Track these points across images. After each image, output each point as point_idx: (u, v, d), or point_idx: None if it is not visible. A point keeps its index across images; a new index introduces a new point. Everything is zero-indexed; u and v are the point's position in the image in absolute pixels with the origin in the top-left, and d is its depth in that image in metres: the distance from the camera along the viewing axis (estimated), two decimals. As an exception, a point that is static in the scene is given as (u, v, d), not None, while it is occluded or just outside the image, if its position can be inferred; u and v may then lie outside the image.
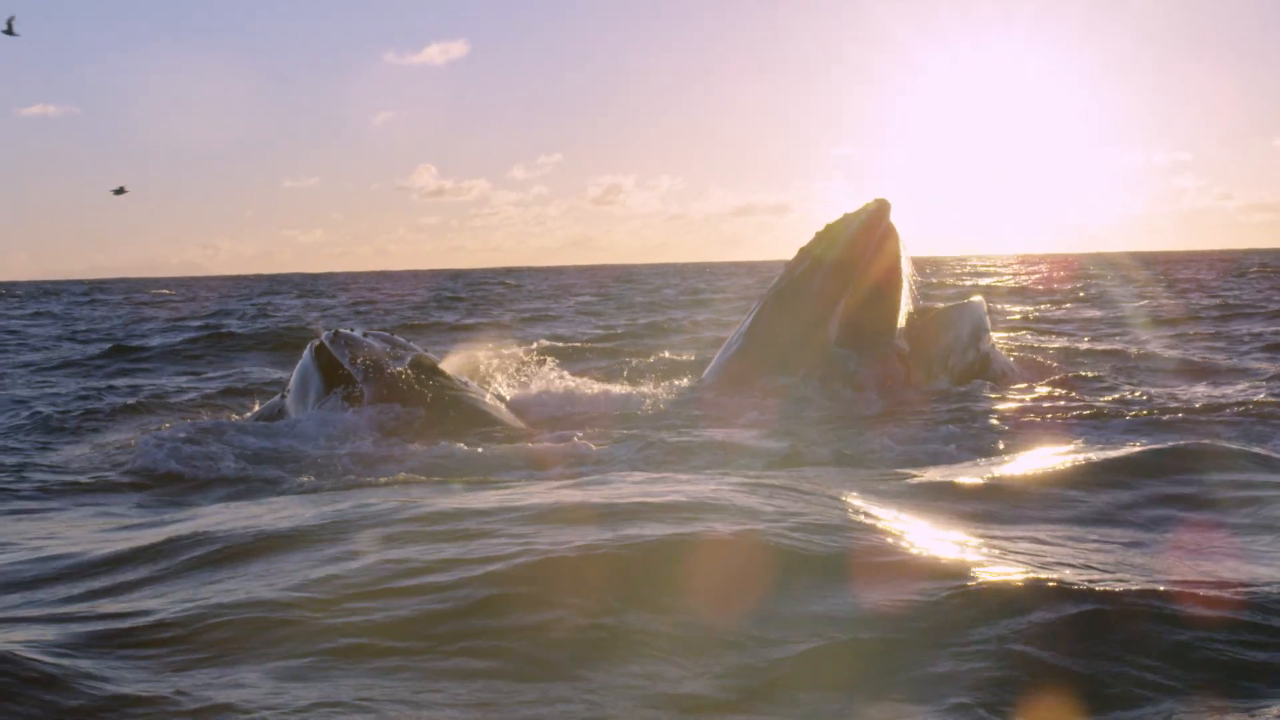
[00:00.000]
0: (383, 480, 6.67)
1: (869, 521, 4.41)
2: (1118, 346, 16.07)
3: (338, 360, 8.40)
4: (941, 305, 10.48)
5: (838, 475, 5.44)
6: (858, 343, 9.65)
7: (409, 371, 8.45)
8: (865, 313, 9.73)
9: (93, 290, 71.73)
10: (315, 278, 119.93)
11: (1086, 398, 10.32)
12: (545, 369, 11.45)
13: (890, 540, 4.13)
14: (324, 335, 8.73)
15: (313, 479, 6.95)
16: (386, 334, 9.57)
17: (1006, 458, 5.83)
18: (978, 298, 10.67)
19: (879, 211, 9.82)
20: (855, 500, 4.81)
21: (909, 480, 5.49)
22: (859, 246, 9.69)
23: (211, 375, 16.09)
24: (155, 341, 22.78)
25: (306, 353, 8.86)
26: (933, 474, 5.68)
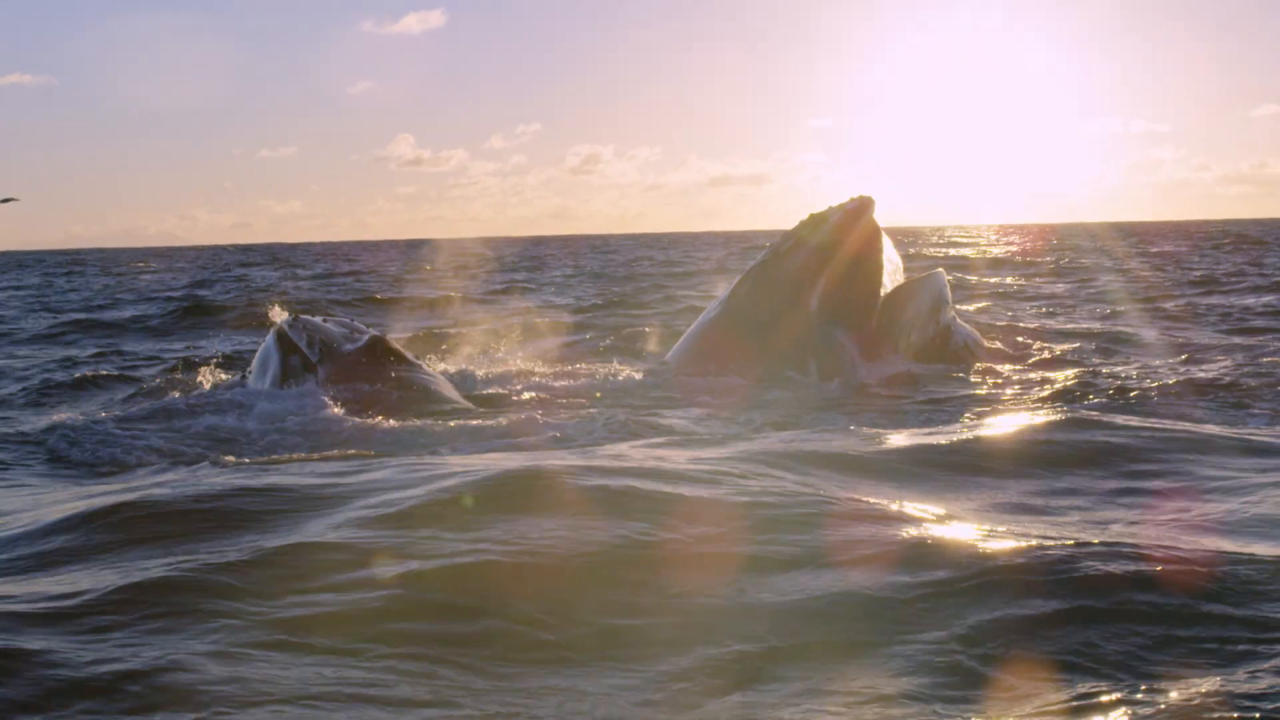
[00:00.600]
0: (317, 455, 6.67)
1: (835, 496, 4.52)
2: (1085, 324, 16.14)
3: (295, 343, 8.48)
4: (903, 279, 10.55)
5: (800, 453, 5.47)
6: (837, 318, 9.73)
7: (364, 353, 8.45)
8: (846, 291, 9.88)
9: (69, 263, 71.19)
10: (293, 247, 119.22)
11: (1049, 374, 10.39)
12: (513, 346, 11.44)
13: (857, 518, 4.23)
14: (284, 320, 8.85)
15: (253, 456, 6.96)
16: (346, 319, 9.64)
17: (966, 437, 5.88)
18: (939, 270, 10.77)
19: (863, 204, 10.14)
20: (822, 476, 4.89)
21: (869, 456, 5.54)
22: (842, 230, 9.96)
23: (176, 349, 16.03)
24: (128, 313, 22.68)
25: (269, 336, 8.98)
26: (891, 454, 5.71)
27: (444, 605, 3.45)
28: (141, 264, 62.58)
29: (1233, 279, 25.91)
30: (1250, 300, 20.09)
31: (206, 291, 30.23)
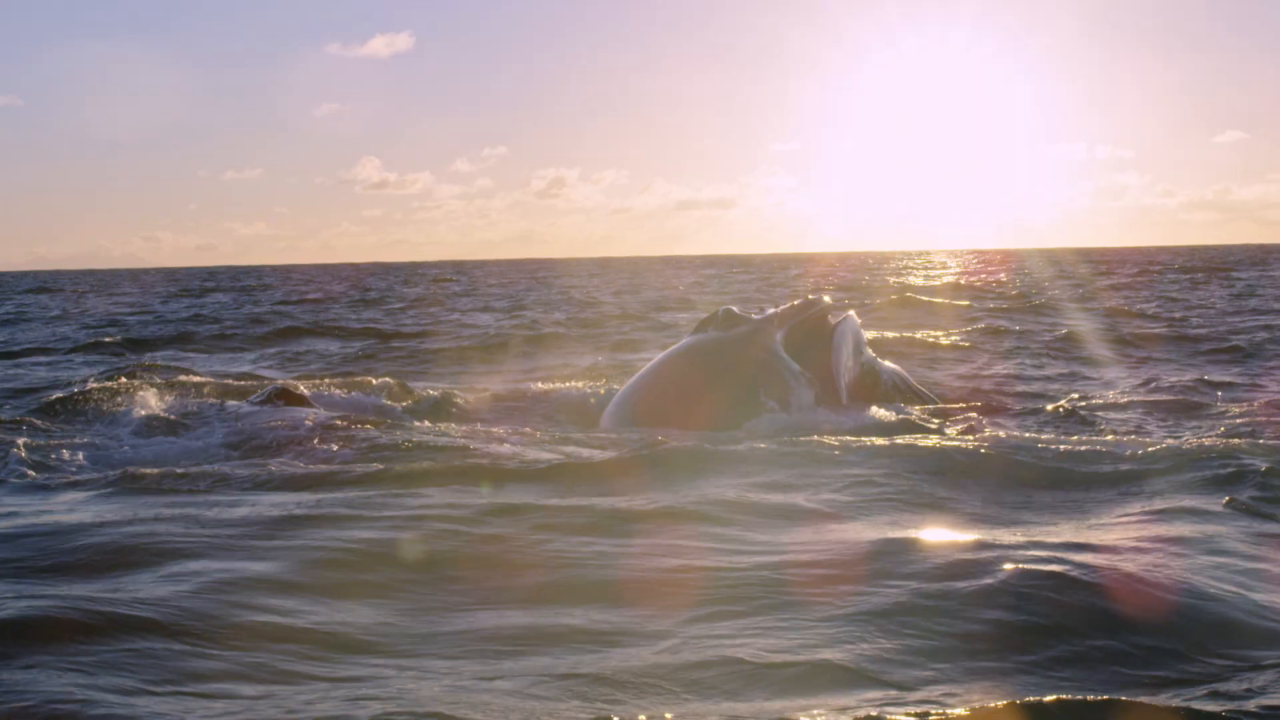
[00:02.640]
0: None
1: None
2: (1036, 361, 16.12)
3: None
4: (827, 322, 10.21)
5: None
6: (799, 354, 9.43)
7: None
8: (803, 336, 9.61)
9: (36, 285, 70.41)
10: (257, 270, 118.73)
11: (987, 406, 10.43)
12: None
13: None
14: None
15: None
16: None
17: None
18: (850, 313, 10.35)
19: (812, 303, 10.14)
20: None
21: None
22: (797, 306, 10.03)
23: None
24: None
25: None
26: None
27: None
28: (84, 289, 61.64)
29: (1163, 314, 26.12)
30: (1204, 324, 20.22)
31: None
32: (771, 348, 9.30)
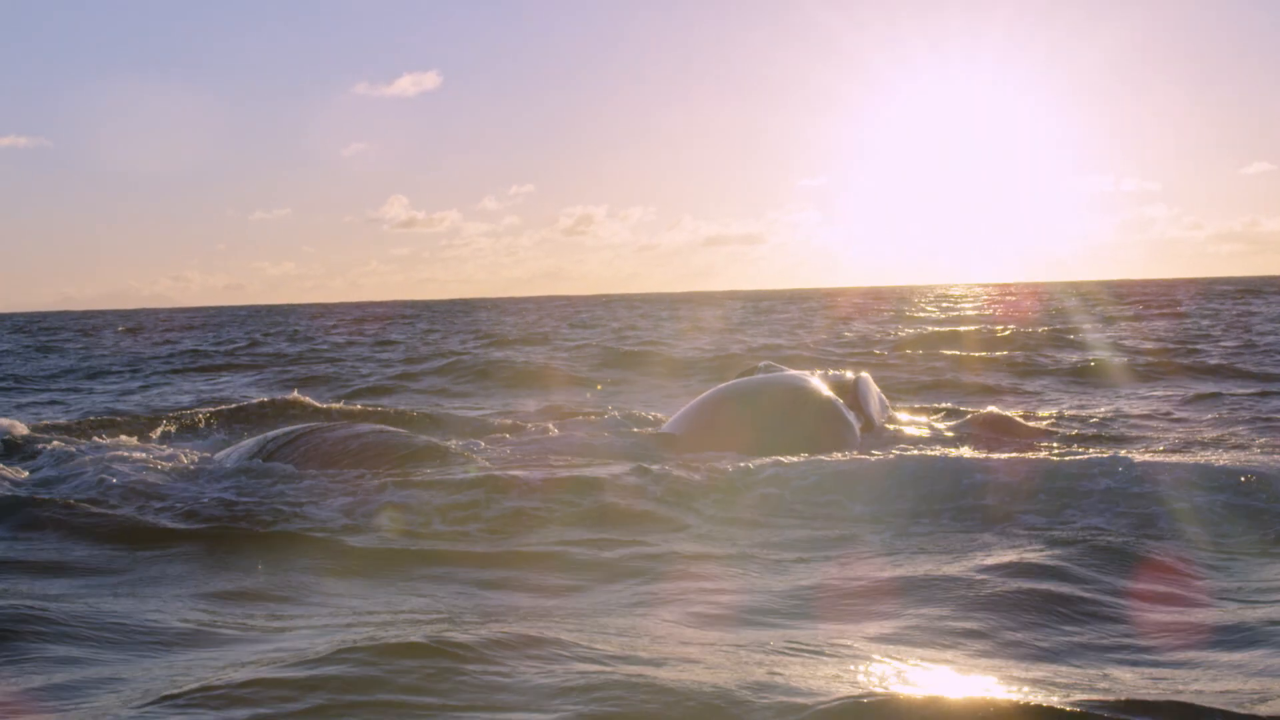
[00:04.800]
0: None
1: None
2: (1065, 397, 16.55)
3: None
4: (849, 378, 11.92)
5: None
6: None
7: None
8: (833, 386, 11.40)
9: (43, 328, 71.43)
10: (287, 308, 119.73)
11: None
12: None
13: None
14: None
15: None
16: None
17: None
18: (865, 374, 12.12)
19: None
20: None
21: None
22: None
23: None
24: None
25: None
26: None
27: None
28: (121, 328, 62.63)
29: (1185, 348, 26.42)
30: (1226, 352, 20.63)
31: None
32: (828, 394, 11.01)
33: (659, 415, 12.73)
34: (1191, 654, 4.11)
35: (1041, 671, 3.79)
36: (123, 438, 10.92)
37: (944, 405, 13.90)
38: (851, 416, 10.81)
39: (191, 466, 8.85)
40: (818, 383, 11.37)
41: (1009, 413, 12.76)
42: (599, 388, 18.88)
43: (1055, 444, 10.36)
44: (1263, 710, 3.28)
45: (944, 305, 61.05)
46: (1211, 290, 74.54)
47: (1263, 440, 10.27)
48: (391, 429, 9.81)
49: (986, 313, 47.69)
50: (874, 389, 12.00)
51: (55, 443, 10.14)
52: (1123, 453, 8.15)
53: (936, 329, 32.38)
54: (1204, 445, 10.09)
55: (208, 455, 9.41)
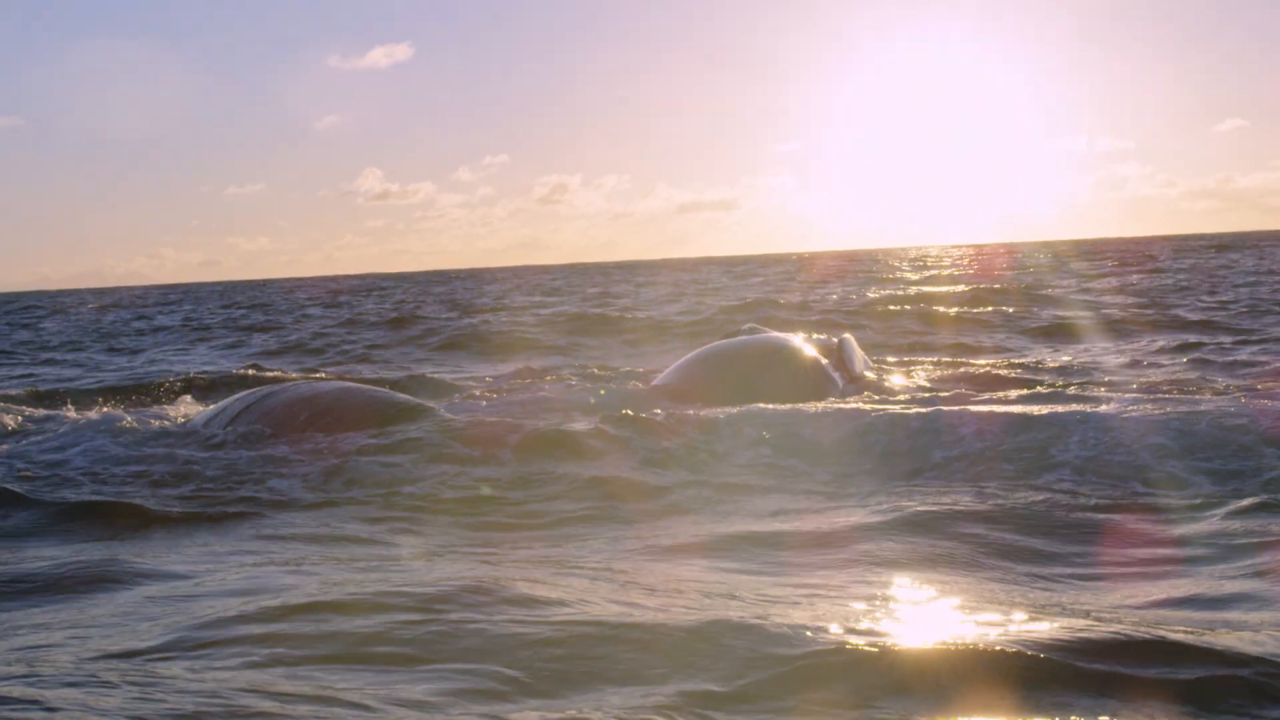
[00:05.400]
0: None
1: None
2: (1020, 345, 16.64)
3: None
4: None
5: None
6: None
7: None
8: (817, 346, 11.74)
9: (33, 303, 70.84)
10: (263, 284, 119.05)
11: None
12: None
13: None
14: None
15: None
16: None
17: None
18: (848, 335, 12.42)
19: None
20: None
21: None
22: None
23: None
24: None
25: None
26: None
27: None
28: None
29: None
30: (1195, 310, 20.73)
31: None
32: (812, 353, 11.41)
33: (641, 370, 12.96)
34: (1162, 604, 4.12)
35: (1021, 614, 3.80)
36: (70, 408, 10.93)
37: (923, 361, 13.99)
38: (837, 376, 11.08)
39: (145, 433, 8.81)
40: (801, 343, 11.67)
41: (987, 367, 12.83)
42: (577, 351, 18.84)
43: (1031, 398, 10.40)
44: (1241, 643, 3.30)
45: (919, 267, 61.19)
46: (1185, 246, 75.11)
47: (1234, 385, 10.34)
48: (369, 387, 9.79)
49: (962, 273, 47.83)
50: (857, 350, 12.22)
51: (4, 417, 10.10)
52: (1098, 406, 8.18)
53: (914, 289, 32.44)
54: (1178, 396, 10.14)
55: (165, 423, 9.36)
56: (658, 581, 4.32)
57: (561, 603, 3.82)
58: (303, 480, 7.04)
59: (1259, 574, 4.37)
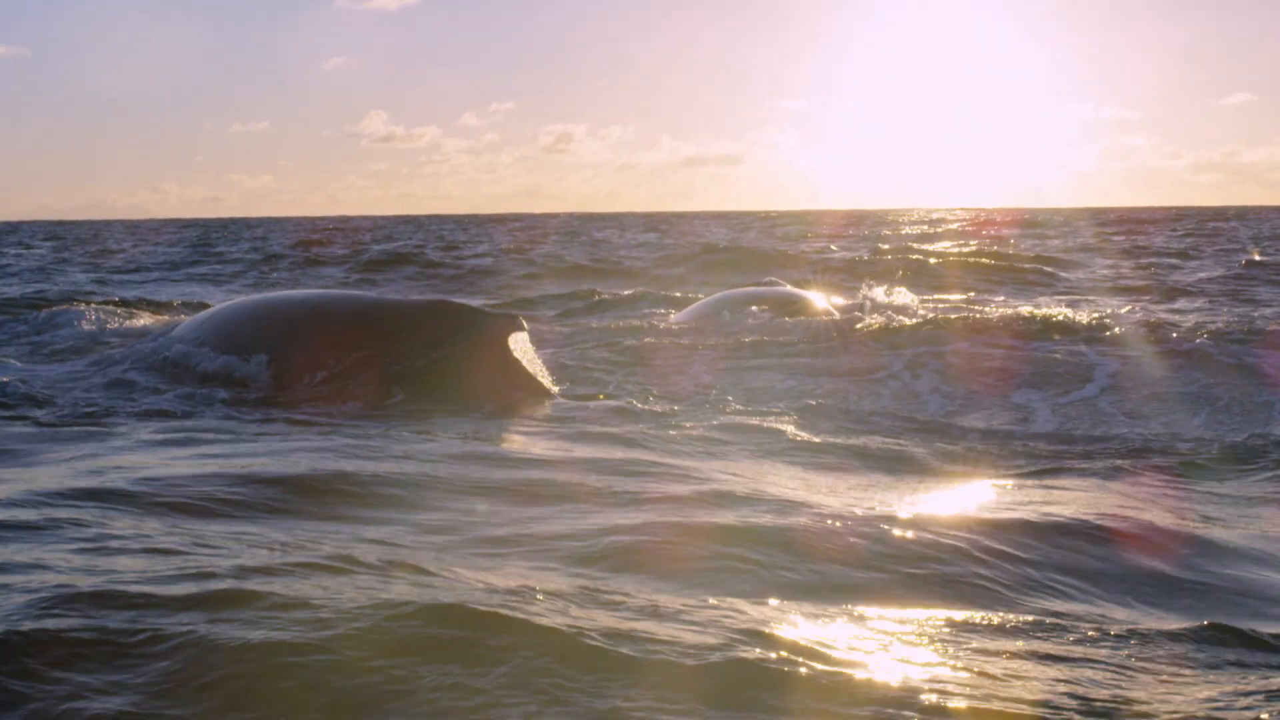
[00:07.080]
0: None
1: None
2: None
3: None
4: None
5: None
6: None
7: None
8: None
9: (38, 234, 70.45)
10: (265, 221, 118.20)
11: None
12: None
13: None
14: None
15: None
16: None
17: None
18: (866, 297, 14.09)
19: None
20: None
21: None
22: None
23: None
24: None
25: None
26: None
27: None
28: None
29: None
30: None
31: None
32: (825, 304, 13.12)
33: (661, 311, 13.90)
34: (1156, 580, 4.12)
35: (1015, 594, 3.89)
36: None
37: (932, 318, 13.98)
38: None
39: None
40: (816, 295, 12.90)
41: (1003, 316, 12.91)
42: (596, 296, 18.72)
43: (1043, 344, 10.47)
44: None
45: (923, 229, 60.96)
46: (1189, 217, 74.72)
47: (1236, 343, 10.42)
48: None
49: (968, 233, 47.66)
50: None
51: None
52: (1109, 354, 8.26)
53: (923, 246, 32.29)
54: (1186, 351, 10.23)
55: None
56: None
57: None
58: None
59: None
